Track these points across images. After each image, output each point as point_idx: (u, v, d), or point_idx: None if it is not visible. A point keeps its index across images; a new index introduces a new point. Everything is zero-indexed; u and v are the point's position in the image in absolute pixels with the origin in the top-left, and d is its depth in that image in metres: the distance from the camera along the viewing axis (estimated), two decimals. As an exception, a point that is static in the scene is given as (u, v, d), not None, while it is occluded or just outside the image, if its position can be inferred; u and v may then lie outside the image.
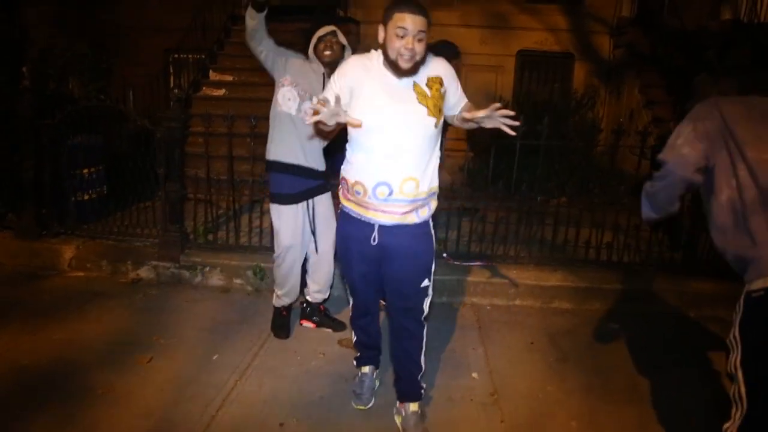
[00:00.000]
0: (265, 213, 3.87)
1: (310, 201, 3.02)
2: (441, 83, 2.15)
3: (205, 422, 2.41)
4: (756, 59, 1.80)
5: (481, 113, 2.03)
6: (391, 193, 2.12)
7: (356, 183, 2.17)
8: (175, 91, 4.01)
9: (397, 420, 2.46)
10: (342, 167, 2.30)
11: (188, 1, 7.92)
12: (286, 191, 2.96)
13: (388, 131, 2.08)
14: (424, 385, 2.49)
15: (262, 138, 3.68)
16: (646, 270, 3.95)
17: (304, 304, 3.33)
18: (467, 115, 2.12)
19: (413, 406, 2.42)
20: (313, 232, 3.07)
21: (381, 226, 2.19)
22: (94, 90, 6.96)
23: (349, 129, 2.19)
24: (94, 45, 7.86)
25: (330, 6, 7.97)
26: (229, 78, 7.31)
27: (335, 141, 2.83)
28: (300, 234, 3.03)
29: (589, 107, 7.00)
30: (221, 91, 7.10)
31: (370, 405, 2.58)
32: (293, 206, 2.97)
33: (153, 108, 4.21)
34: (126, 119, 4.71)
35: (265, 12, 2.74)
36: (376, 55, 2.14)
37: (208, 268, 3.93)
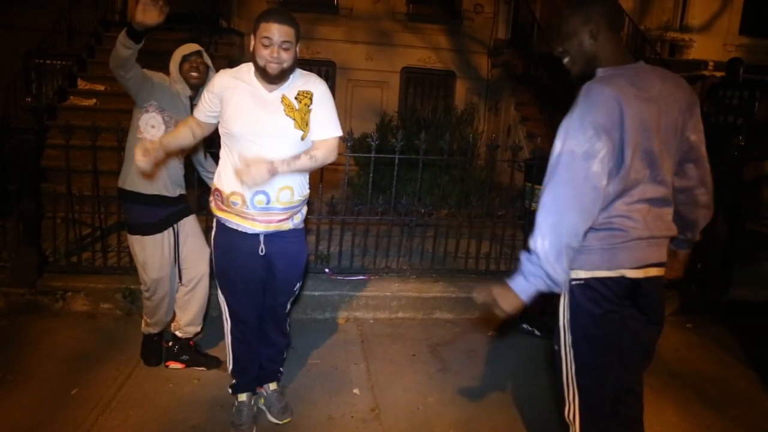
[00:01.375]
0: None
1: (175, 226, 2.83)
2: (311, 99, 2.18)
3: (57, 466, 2.17)
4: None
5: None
6: (269, 202, 2.17)
7: (233, 193, 2.17)
8: (28, 99, 3.63)
9: (260, 402, 2.62)
10: (215, 179, 2.30)
11: None
12: (149, 221, 2.75)
13: (256, 141, 2.12)
14: (282, 369, 2.69)
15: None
16: (520, 277, 4.15)
17: (170, 343, 3.01)
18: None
19: (273, 385, 2.63)
20: (178, 260, 2.87)
21: (264, 235, 2.24)
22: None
23: (222, 137, 2.22)
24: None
25: (212, 16, 7.71)
26: (101, 87, 6.79)
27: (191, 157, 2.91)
28: (168, 264, 2.82)
29: (469, 123, 7.34)
30: (91, 101, 6.58)
31: None
32: (158, 235, 2.76)
33: (9, 118, 3.77)
34: (-28, 130, 4.21)
35: (141, 43, 2.47)
36: (247, 68, 2.18)
37: (70, 293, 3.58)
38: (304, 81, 2.20)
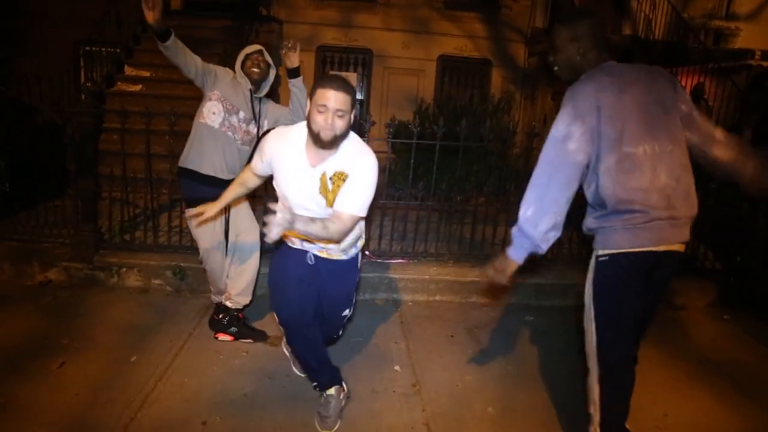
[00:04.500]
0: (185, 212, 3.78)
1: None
2: (344, 180, 2.18)
3: (124, 424, 2.34)
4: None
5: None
6: (317, 249, 2.39)
7: (287, 236, 2.39)
8: (88, 84, 3.82)
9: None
10: None
11: (100, -9, 7.55)
12: (200, 196, 2.88)
13: (297, 210, 2.14)
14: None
15: (181, 135, 3.60)
16: (557, 265, 4.21)
17: (221, 315, 3.17)
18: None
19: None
20: (227, 234, 3.07)
21: (314, 255, 2.42)
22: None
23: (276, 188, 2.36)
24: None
25: (252, 4, 7.86)
26: (146, 74, 7.03)
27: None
28: (218, 237, 3.04)
29: (506, 111, 7.33)
30: (137, 87, 6.82)
31: (335, 429, 2.44)
32: None
33: (61, 103, 3.96)
34: (30, 113, 4.43)
35: (171, 38, 2.71)
36: (299, 130, 2.22)
37: (124, 269, 3.78)
38: (349, 159, 2.17)
